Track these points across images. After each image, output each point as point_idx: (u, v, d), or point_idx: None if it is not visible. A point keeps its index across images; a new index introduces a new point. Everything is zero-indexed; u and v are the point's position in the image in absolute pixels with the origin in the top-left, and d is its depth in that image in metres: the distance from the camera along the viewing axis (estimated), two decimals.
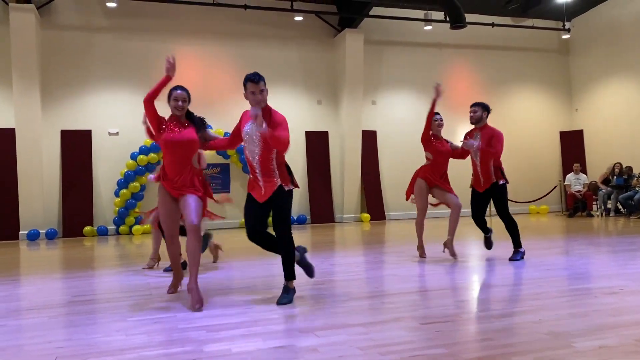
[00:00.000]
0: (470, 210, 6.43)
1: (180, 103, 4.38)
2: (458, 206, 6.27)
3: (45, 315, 3.83)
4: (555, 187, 14.80)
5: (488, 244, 6.44)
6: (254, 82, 3.98)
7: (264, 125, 3.79)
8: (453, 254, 6.20)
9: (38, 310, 4.01)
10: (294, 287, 4.12)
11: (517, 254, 6.03)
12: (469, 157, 6.43)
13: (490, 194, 6.23)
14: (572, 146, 15.82)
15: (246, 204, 4.12)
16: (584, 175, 14.10)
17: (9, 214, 11.26)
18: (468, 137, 6.35)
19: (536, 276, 4.86)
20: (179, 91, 4.45)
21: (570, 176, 14.03)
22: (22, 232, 11.25)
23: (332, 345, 2.82)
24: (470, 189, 6.47)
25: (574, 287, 4.30)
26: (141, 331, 3.24)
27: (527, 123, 15.86)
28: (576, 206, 13.61)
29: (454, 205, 6.26)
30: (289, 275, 4.05)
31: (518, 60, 15.87)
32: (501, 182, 6.17)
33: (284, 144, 3.89)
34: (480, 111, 6.22)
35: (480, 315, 3.52)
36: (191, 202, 4.07)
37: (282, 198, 4.01)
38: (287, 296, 3.99)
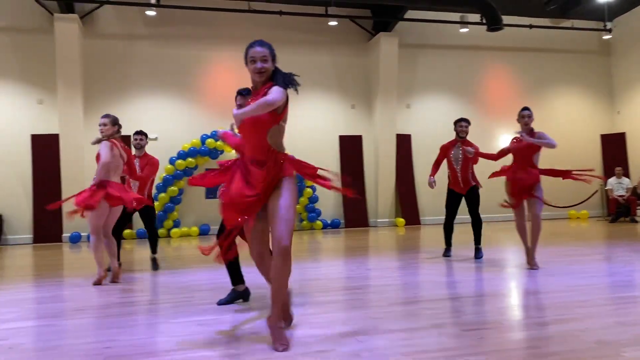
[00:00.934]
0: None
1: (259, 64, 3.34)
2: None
3: (91, 315, 3.95)
4: (597, 191, 14.38)
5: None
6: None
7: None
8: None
9: (84, 311, 4.13)
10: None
11: (481, 252, 6.60)
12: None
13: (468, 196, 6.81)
14: (614, 149, 15.37)
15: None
16: (627, 180, 13.68)
17: (53, 217, 11.62)
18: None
19: (579, 283, 4.74)
20: (257, 48, 3.41)
21: (612, 180, 13.63)
22: (65, 235, 11.60)
23: (374, 350, 2.82)
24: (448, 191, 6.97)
25: (620, 295, 4.18)
26: (185, 333, 3.30)
27: (567, 126, 15.49)
28: (619, 211, 13.20)
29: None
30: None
31: (557, 62, 15.53)
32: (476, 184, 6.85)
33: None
34: (466, 126, 7.08)
35: (524, 322, 3.46)
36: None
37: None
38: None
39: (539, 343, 2.91)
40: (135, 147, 6.80)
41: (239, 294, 4.24)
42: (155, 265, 6.59)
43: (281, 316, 3.06)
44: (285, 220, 2.93)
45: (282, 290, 2.99)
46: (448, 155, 7.08)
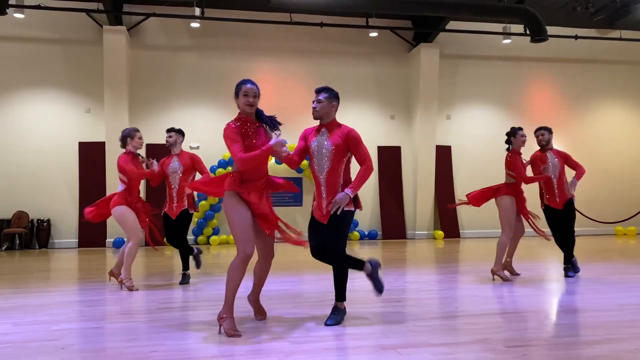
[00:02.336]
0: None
1: (250, 99, 3.91)
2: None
3: (137, 320, 4.06)
4: None
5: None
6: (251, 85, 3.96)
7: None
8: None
9: (130, 315, 4.25)
10: (344, 308, 3.94)
11: (570, 270, 6.24)
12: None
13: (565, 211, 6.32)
14: None
15: (310, 222, 4.06)
16: None
17: (98, 223, 11.96)
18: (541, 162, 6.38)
19: (628, 302, 4.59)
20: (248, 85, 3.93)
21: None
22: (109, 240, 11.94)
23: None
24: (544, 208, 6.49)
25: None
26: (227, 340, 3.35)
27: (613, 139, 15.04)
28: None
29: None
30: (340, 295, 3.88)
31: (603, 74, 15.13)
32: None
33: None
34: (547, 134, 6.43)
35: (569, 340, 3.38)
36: None
37: (342, 218, 3.85)
38: (335, 317, 3.81)
39: None
40: (166, 145, 6.41)
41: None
42: (184, 279, 6.03)
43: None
44: None
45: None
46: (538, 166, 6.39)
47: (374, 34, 13.47)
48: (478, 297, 4.91)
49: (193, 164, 6.28)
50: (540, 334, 3.48)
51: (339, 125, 4.10)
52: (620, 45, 14.87)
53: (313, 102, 4.10)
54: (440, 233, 13.39)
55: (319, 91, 4.12)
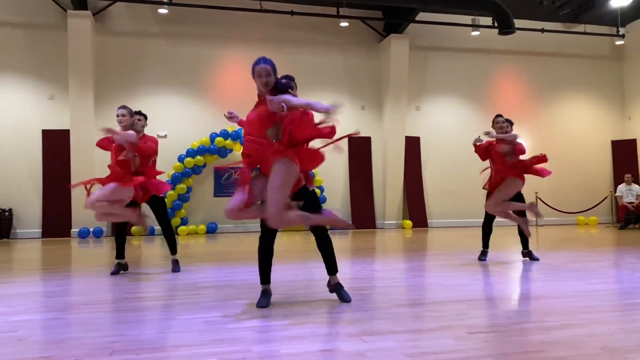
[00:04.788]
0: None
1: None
2: None
3: (99, 310, 3.98)
4: (606, 198, 14.31)
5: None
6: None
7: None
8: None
9: (92, 305, 4.17)
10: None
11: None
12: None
13: None
14: (625, 156, 15.28)
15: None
16: (637, 186, 13.59)
17: (62, 212, 11.72)
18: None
19: (586, 289, 4.72)
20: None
21: (621, 187, 13.55)
22: (74, 230, 11.69)
23: (379, 350, 2.83)
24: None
25: (628, 302, 4.17)
26: (191, 329, 3.32)
27: (577, 131, 15.42)
28: (628, 218, 13.12)
29: None
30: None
31: (568, 67, 15.47)
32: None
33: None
34: (510, 126, 6.66)
35: (530, 326, 3.46)
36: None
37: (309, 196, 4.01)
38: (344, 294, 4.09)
39: (544, 347, 2.90)
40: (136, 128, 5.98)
41: None
42: (176, 267, 5.97)
43: None
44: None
45: None
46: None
47: (344, 24, 13.46)
48: (443, 285, 4.98)
49: (146, 142, 5.99)
50: (501, 321, 3.55)
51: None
52: (585, 39, 15.21)
53: (260, 75, 4.01)
54: (408, 223, 13.54)
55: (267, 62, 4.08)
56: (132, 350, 2.88)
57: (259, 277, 4.15)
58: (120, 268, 5.91)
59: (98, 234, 11.69)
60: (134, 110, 6.00)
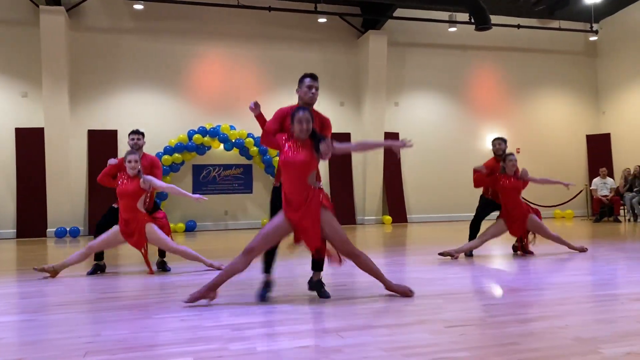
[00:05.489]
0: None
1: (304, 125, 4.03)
2: None
3: (73, 311, 3.92)
4: (581, 191, 14.55)
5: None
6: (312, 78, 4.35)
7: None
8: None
9: (67, 306, 4.10)
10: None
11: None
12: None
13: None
14: (599, 150, 15.56)
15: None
16: (611, 180, 13.84)
17: (38, 212, 11.52)
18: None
19: (562, 281, 4.80)
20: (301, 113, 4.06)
21: (596, 180, 13.79)
22: (50, 230, 11.50)
23: (356, 346, 2.83)
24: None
25: (601, 293, 4.24)
26: (167, 328, 3.29)
27: (553, 126, 15.65)
28: (602, 211, 13.37)
29: None
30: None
31: (544, 62, 15.67)
32: None
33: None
34: (504, 144, 6.82)
35: (505, 319, 3.50)
36: None
37: None
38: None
39: (519, 339, 2.94)
40: (132, 147, 5.91)
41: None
42: (164, 267, 5.98)
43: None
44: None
45: None
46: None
47: (322, 20, 13.44)
48: (422, 279, 5.01)
49: (152, 168, 5.95)
50: (478, 314, 3.58)
51: (317, 112, 4.44)
52: (560, 35, 15.43)
53: (311, 87, 4.32)
54: (388, 218, 13.61)
55: (316, 78, 4.44)
56: (107, 350, 2.84)
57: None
58: (97, 268, 5.84)
59: (75, 233, 11.51)
60: (139, 130, 6.08)
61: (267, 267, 4.33)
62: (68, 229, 11.48)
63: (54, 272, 5.53)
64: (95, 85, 12.33)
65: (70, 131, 11.87)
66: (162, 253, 6.10)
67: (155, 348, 2.88)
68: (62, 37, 11.46)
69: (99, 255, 5.92)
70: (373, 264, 4.19)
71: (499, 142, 6.83)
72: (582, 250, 6.72)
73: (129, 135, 6.05)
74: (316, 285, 4.26)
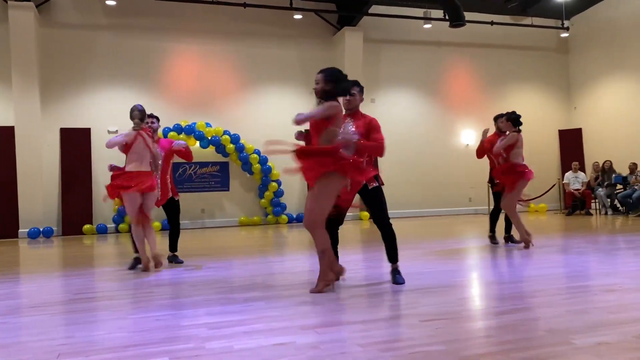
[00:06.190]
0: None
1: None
2: None
3: (46, 312, 3.85)
4: (554, 185, 14.81)
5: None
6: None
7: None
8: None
9: (39, 307, 4.03)
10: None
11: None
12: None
13: None
14: (571, 144, 15.85)
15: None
16: (583, 174, 14.12)
17: (9, 212, 11.28)
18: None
19: (535, 274, 4.89)
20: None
21: (568, 174, 14.06)
22: (22, 230, 11.26)
23: (332, 342, 2.84)
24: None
25: (573, 285, 4.33)
26: (143, 328, 3.26)
27: (526, 121, 15.60)
28: (575, 204, 13.64)
29: None
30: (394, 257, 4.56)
31: (517, 59, 15.89)
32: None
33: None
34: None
35: (480, 312, 3.55)
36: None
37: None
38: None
39: (493, 332, 2.99)
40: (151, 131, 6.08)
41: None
42: (176, 260, 6.15)
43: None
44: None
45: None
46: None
47: (298, 16, 13.41)
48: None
49: (172, 149, 6.29)
50: (453, 308, 3.63)
51: (363, 115, 4.76)
52: (532, 31, 15.66)
53: (352, 92, 4.61)
54: (366, 214, 13.65)
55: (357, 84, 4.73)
56: (80, 352, 2.79)
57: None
58: (138, 262, 5.88)
59: (48, 233, 11.29)
60: (148, 112, 6.13)
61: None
62: (41, 229, 11.26)
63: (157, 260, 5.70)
64: (67, 83, 12.10)
65: (42, 129, 11.64)
66: (173, 247, 6.24)
67: (129, 348, 2.84)
68: (31, 34, 11.21)
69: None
70: (326, 242, 4.25)
71: (502, 121, 7.31)
72: (526, 243, 6.68)
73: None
74: (391, 273, 4.56)
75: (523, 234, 6.65)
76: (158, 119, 6.32)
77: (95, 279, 5.49)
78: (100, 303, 4.21)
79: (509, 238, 7.12)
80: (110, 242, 9.76)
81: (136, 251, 5.89)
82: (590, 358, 2.49)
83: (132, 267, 5.86)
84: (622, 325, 3.00)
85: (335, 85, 4.27)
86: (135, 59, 12.55)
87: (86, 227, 11.61)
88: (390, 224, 4.64)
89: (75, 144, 11.95)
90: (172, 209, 6.30)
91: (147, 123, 6.03)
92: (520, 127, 6.97)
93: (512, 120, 6.99)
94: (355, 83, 4.71)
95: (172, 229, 6.35)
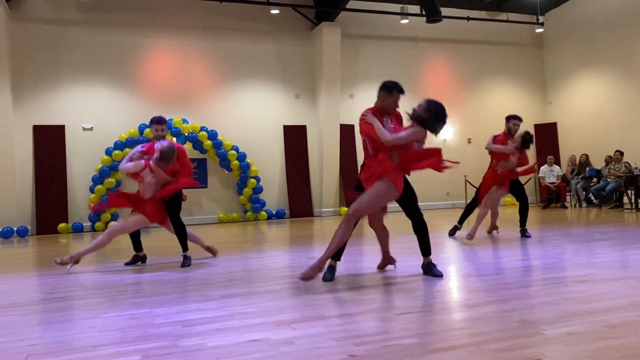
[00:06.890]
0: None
1: None
2: None
3: (17, 313, 3.78)
4: (530, 179, 15.00)
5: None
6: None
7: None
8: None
9: (10, 308, 3.95)
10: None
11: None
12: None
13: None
14: (546, 138, 16.07)
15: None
16: (558, 167, 14.34)
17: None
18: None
19: (510, 266, 4.95)
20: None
21: (544, 168, 14.26)
22: None
23: (307, 337, 2.84)
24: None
25: (546, 277, 4.39)
26: (116, 327, 3.21)
27: (502, 116, 15.86)
28: (550, 198, 13.85)
29: None
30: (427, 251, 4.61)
31: (493, 54, 16.04)
32: None
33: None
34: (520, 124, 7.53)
35: (454, 305, 3.58)
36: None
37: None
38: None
39: (466, 324, 3.01)
40: (156, 138, 5.94)
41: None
42: (186, 261, 5.77)
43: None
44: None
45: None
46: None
47: (275, 11, 13.34)
48: (374, 269, 5.06)
49: (177, 155, 5.91)
50: (427, 301, 3.65)
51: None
52: (507, 27, 15.81)
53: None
54: (345, 209, 13.66)
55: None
56: (49, 353, 2.74)
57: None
58: (137, 259, 6.00)
59: (23, 233, 11.07)
60: (164, 119, 6.17)
61: (338, 254, 4.66)
62: (15, 229, 11.04)
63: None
64: (40, 79, 11.86)
65: (14, 127, 11.39)
66: (184, 247, 5.97)
67: (101, 348, 2.80)
68: (2, 29, 10.95)
69: (138, 246, 6.06)
70: (341, 238, 4.44)
71: (514, 123, 7.61)
72: (469, 238, 6.80)
73: (151, 125, 6.08)
74: (427, 267, 4.57)
75: (475, 229, 6.89)
76: (166, 122, 6.18)
77: (69, 278, 5.39)
78: (73, 302, 4.15)
79: (522, 232, 7.23)
80: (86, 241, 9.61)
81: (136, 249, 6.02)
82: (559, 348, 2.52)
83: (131, 263, 5.98)
84: (591, 315, 3.05)
85: (432, 121, 4.59)
86: (110, 54, 12.35)
87: (61, 225, 11.42)
88: (422, 215, 4.67)
89: (49, 142, 11.73)
90: (171, 204, 6.19)
91: (157, 130, 5.95)
92: (529, 146, 7.29)
93: (524, 140, 7.24)
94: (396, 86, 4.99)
95: (174, 226, 6.14)
